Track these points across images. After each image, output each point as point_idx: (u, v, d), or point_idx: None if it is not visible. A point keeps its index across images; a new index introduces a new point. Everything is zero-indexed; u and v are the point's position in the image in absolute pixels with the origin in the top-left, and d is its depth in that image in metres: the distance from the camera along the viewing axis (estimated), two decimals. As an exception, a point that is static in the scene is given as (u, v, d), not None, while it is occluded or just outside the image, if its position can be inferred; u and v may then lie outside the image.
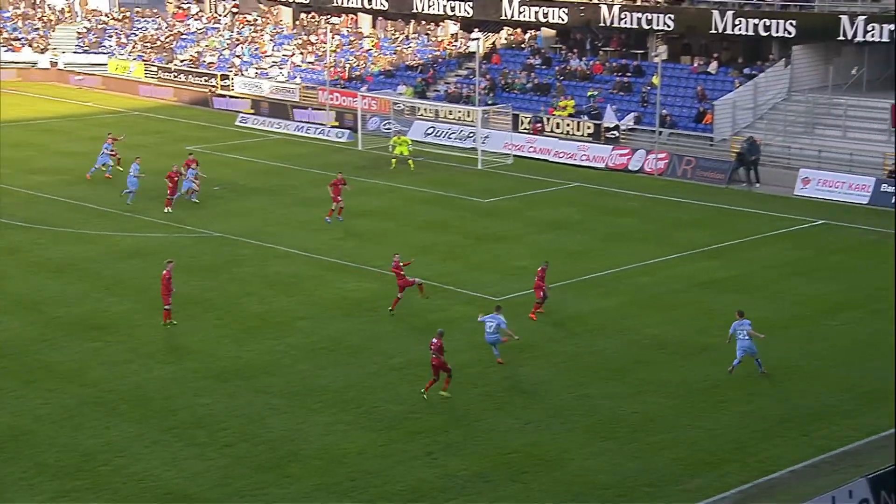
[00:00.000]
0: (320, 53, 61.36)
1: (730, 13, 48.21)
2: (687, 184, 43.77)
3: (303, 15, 67.05)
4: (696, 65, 50.87)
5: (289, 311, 28.18)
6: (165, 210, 37.14)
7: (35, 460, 20.21)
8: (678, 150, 46.08)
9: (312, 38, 63.83)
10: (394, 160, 45.28)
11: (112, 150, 42.59)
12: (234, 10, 70.81)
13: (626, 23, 51.74)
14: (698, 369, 24.70)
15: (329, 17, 64.59)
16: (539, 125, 49.68)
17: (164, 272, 26.85)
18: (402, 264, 28.11)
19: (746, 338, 23.95)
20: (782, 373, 24.37)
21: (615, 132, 48.64)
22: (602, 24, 52.92)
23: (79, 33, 71.14)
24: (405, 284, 27.96)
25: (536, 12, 54.55)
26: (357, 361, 24.93)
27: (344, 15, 64.32)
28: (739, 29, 48.19)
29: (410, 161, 45.23)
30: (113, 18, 73.13)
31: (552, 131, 50.07)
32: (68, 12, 73.05)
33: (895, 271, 30.71)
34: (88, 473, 19.84)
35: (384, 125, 52.38)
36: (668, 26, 50.57)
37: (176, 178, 37.82)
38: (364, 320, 27.60)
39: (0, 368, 24.08)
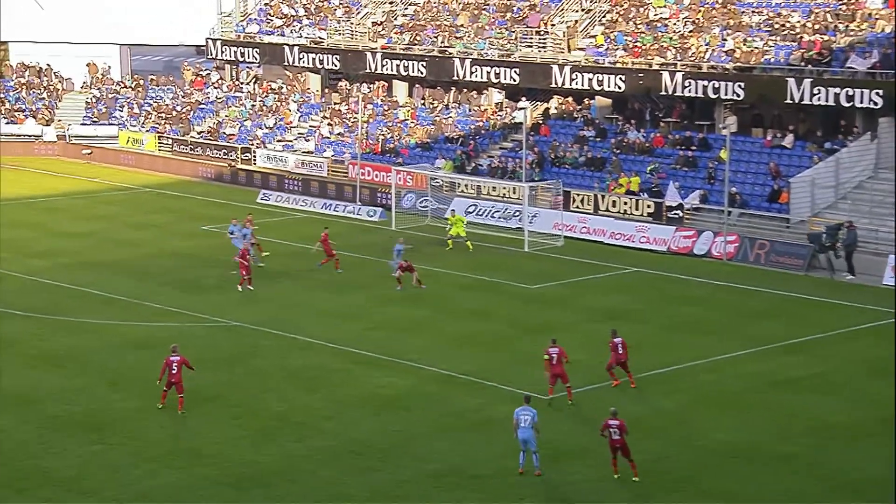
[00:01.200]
0: (350, 124, 62.46)
1: (807, 81, 48.40)
2: (759, 270, 43.62)
3: (332, 82, 68.46)
4: (769, 138, 51.06)
5: (312, 410, 28.27)
6: (241, 287, 38.62)
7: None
8: (749, 233, 46.03)
9: (342, 107, 65.06)
10: (449, 241, 45.77)
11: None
12: (257, 77, 72.45)
13: (690, 91, 52.20)
14: (775, 481, 24.36)
15: (361, 84, 65.91)
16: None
17: (178, 358, 27.71)
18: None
19: (529, 427, 24.18)
20: (868, 486, 23.95)
21: (678, 212, 48.75)
22: (663, 93, 53.43)
23: (87, 103, 73.07)
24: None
25: (590, 79, 55.24)
26: (387, 468, 24.88)
27: (377, 82, 65.59)
28: (818, 99, 48.26)
29: (469, 242, 45.56)
30: (125, 86, 75.07)
31: (608, 210, 50.30)
32: (83, 87, 74.93)
33: None
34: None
35: (420, 202, 52.96)
36: (738, 95, 50.91)
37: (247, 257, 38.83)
38: (396, 420, 27.59)
39: (-9, 472, 24.30)
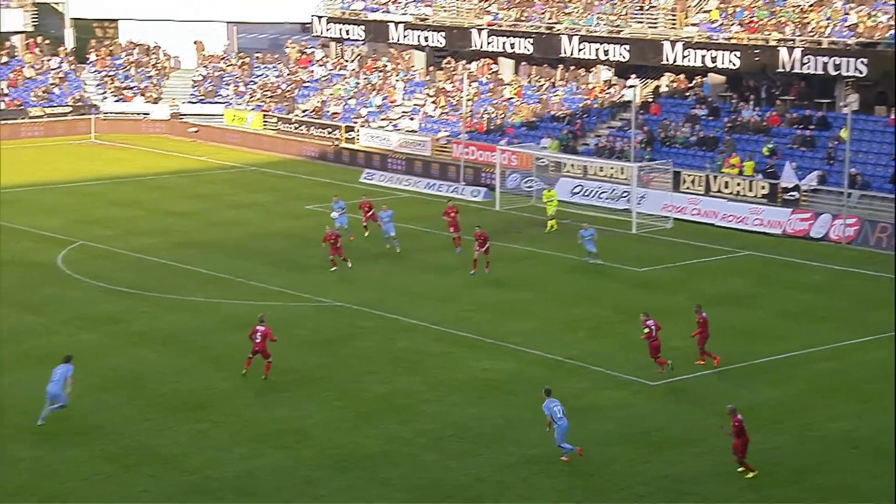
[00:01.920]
0: (455, 103, 62.50)
1: (935, 56, 46.99)
2: (881, 254, 42.46)
3: (437, 60, 68.55)
4: (893, 116, 49.64)
5: (414, 393, 28.45)
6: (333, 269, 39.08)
7: (133, 552, 20.85)
8: (871, 216, 44.84)
9: (447, 85, 65.14)
10: (549, 222, 45.42)
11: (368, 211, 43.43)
12: (362, 55, 72.93)
13: (809, 68, 50.94)
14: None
15: (466, 62, 65.86)
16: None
17: (262, 329, 28.65)
18: None
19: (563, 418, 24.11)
20: None
21: (794, 193, 47.73)
22: (780, 70, 52.26)
23: (194, 81, 74.47)
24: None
25: (703, 56, 54.29)
26: (490, 452, 24.91)
27: (482, 60, 65.45)
28: (946, 74, 46.87)
29: (553, 222, 45.36)
30: (231, 64, 76.28)
31: (720, 191, 49.48)
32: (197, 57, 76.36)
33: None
34: (189, 569, 20.35)
35: (525, 183, 52.77)
36: (860, 72, 49.54)
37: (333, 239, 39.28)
38: (499, 405, 27.61)
39: (100, 451, 25.00)
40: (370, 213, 43.86)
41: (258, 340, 28.75)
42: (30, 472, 23.78)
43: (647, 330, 29.42)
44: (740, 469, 23.58)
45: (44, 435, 25.72)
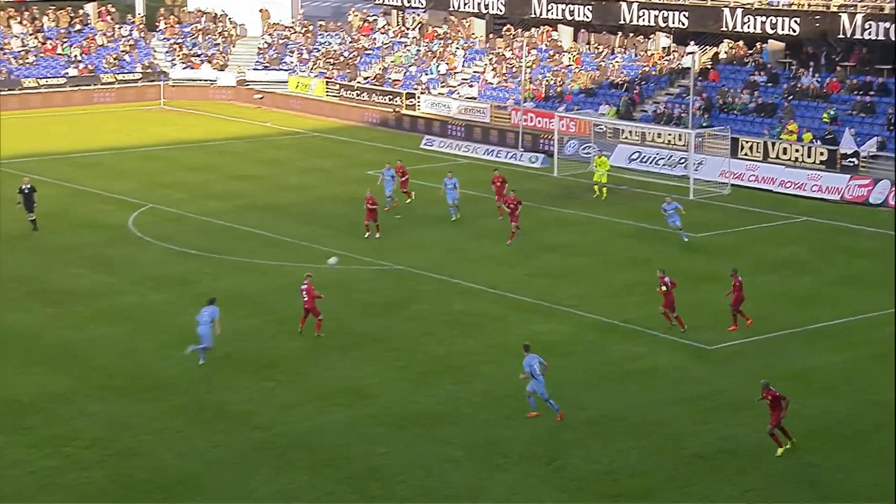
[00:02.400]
0: (515, 70, 62.23)
1: None
2: (940, 221, 41.77)
3: (497, 27, 68.20)
4: (953, 81, 48.66)
5: (472, 354, 28.62)
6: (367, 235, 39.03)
7: (202, 506, 21.30)
8: (930, 181, 44.08)
9: (507, 52, 64.85)
10: (599, 189, 45.05)
11: (402, 177, 43.32)
12: (423, 22, 72.79)
13: (870, 34, 49.98)
14: (950, 440, 23.49)
15: (525, 29, 65.47)
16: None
17: (305, 286, 29.00)
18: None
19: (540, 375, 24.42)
20: None
21: (853, 159, 47.02)
22: (841, 36, 51.35)
23: (259, 49, 74.88)
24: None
25: (763, 23, 53.50)
26: (546, 412, 25.03)
27: (542, 27, 65.02)
28: None
29: (604, 189, 44.92)
30: (295, 32, 76.55)
31: (778, 157, 48.88)
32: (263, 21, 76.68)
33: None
34: (256, 522, 20.75)
35: (583, 149, 52.52)
36: (922, 37, 48.59)
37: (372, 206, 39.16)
38: (554, 367, 27.62)
39: (170, 406, 25.50)
40: (404, 178, 43.65)
41: (305, 299, 29.22)
42: (104, 426, 24.34)
43: (664, 287, 29.59)
44: (780, 440, 23.08)
45: (117, 390, 26.29)
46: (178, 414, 25.04)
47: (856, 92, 50.38)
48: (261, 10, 77.32)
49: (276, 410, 25.25)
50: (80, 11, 76.20)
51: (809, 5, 52.69)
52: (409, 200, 43.65)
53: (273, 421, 24.69)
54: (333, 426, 24.44)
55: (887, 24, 49.28)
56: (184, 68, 72.91)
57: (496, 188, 42.34)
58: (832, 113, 49.56)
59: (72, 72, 70.25)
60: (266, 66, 73.18)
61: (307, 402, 25.65)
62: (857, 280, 34.73)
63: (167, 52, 74.42)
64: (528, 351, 25.16)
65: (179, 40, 75.13)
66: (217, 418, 24.82)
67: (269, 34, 76.11)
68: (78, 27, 74.52)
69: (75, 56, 71.47)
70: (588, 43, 63.17)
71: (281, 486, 21.93)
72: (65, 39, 72.89)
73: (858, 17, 50.10)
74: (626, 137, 53.16)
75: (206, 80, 72.47)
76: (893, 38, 49.41)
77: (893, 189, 43.94)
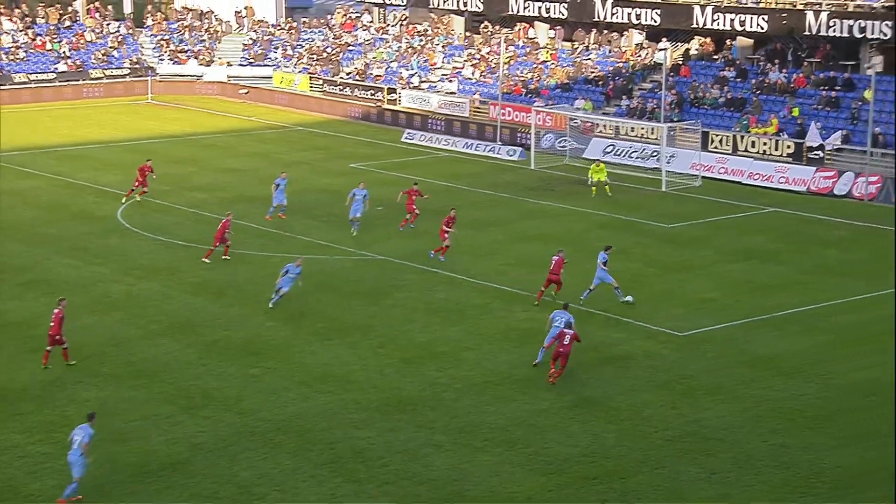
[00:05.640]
0: (493, 65, 62.10)
1: (958, 19, 46.05)
2: (902, 211, 42.01)
3: (475, 24, 68.03)
4: (915, 77, 48.87)
5: (453, 341, 28.56)
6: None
7: (191, 491, 21.14)
8: (893, 174, 44.25)
9: (485, 49, 64.70)
10: (594, 188, 44.31)
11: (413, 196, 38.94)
12: (404, 19, 72.55)
13: (835, 31, 50.14)
14: (913, 422, 23.62)
15: (503, 27, 65.31)
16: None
17: (57, 311, 26.31)
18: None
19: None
20: None
21: (819, 152, 47.18)
22: (807, 33, 51.48)
23: (245, 45, 74.45)
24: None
25: (732, 20, 53.57)
26: (526, 398, 25.01)
27: (519, 24, 64.90)
28: (970, 36, 45.95)
29: (607, 186, 44.07)
30: (279, 29, 76.15)
31: (746, 150, 49.00)
32: (237, 23, 76.39)
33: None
34: (243, 504, 20.63)
35: (559, 142, 52.48)
36: (885, 35, 48.71)
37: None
38: (533, 353, 27.64)
39: (158, 392, 25.33)
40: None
41: (52, 325, 26.14)
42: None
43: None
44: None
45: (106, 377, 26.10)
46: (166, 400, 24.89)
47: (821, 87, 50.53)
48: (245, 7, 76.88)
49: (262, 396, 25.13)
50: (70, 8, 75.58)
51: (776, 3, 52.80)
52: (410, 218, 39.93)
53: (259, 406, 24.57)
54: (318, 411, 24.34)
55: (851, 22, 49.46)
56: (171, 64, 72.46)
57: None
58: (798, 107, 49.62)
59: (61, 67, 69.69)
60: (251, 62, 72.81)
61: (292, 388, 25.54)
62: (823, 268, 34.86)
63: (155, 48, 73.93)
64: (565, 308, 26.55)
65: (167, 36, 74.65)
66: (204, 404, 24.68)
67: (254, 31, 75.71)
68: (68, 24, 73.91)
69: (65, 52, 70.90)
70: (564, 39, 63.09)
71: (266, 469, 21.83)
72: (54, 35, 72.31)
73: (823, 15, 50.25)
74: (601, 131, 53.17)
75: (192, 76, 72.04)
76: (857, 35, 49.56)
77: (856, 181, 44.10)
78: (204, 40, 74.72)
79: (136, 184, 42.94)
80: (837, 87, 50.09)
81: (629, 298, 30.62)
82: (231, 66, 72.72)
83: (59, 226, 39.70)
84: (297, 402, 24.81)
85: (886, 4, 49.20)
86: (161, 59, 72.86)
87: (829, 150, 47.14)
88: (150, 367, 26.74)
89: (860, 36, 49.56)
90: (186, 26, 75.83)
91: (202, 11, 77.01)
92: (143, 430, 23.41)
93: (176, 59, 72.74)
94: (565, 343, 25.36)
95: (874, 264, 35.24)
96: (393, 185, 46.79)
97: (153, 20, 76.12)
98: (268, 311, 30.57)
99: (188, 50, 73.63)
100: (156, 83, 70.48)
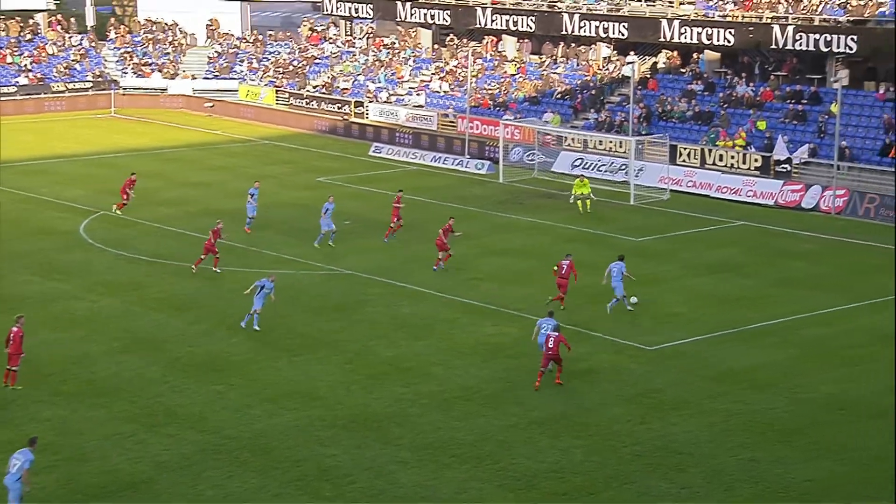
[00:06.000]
0: (461, 79, 62.21)
1: (923, 33, 46.60)
2: (869, 224, 42.38)
3: (443, 38, 68.15)
4: (881, 91, 49.32)
5: (421, 357, 28.46)
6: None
7: (154, 509, 20.91)
8: (859, 187, 44.70)
9: (453, 62, 64.81)
10: (579, 202, 43.86)
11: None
12: (371, 32, 72.56)
13: (801, 45, 50.60)
14: (881, 434, 23.75)
15: (471, 40, 65.45)
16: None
17: (16, 329, 25.81)
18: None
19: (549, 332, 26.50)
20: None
21: (786, 166, 47.55)
22: (774, 47, 51.94)
23: (210, 58, 74.17)
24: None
25: (699, 33, 53.95)
26: (494, 413, 24.95)
27: (487, 37, 65.09)
28: (935, 51, 46.51)
29: (588, 201, 43.76)
30: (245, 41, 75.94)
31: (714, 164, 49.31)
32: (208, 35, 76.06)
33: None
34: (207, 524, 20.43)
35: (528, 156, 52.61)
36: (851, 48, 49.20)
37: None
38: (502, 368, 27.63)
39: (121, 411, 25.06)
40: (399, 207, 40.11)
41: (12, 343, 25.62)
42: (55, 431, 23.85)
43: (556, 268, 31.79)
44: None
45: (67, 396, 25.80)
46: (129, 418, 24.63)
47: (788, 101, 50.99)
48: (210, 20, 76.63)
49: (227, 413, 24.91)
50: (31, 21, 74.99)
51: (743, 17, 53.26)
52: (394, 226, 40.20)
53: (223, 424, 24.36)
54: (283, 428, 24.16)
55: (817, 36, 49.94)
56: (135, 77, 72.07)
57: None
58: (764, 120, 50.01)
59: (23, 80, 69.12)
60: (216, 75, 72.54)
61: (257, 405, 25.34)
62: (791, 282, 35.08)
63: (118, 61, 73.49)
64: (550, 315, 27.45)
65: (130, 49, 74.25)
66: (167, 422, 24.44)
67: (219, 43, 75.45)
68: (29, 36, 73.33)
69: (26, 65, 70.32)
70: (532, 53, 63.33)
71: (232, 488, 21.63)
72: (16, 48, 71.72)
73: (790, 29, 50.71)
74: (569, 145, 53.35)
75: (156, 89, 71.68)
76: (823, 49, 50.05)
77: (823, 194, 44.48)
78: (168, 53, 74.38)
79: (125, 196, 43.18)
80: (804, 101, 50.55)
81: (634, 299, 31.58)
82: (196, 79, 72.50)
83: (20, 241, 39.30)
84: (262, 420, 24.61)
85: (851, 19, 49.74)
86: (124, 73, 72.45)
87: (797, 164, 47.53)
88: (112, 385, 26.47)
89: (826, 50, 50.04)
90: (150, 39, 75.47)
91: (166, 24, 76.67)
92: (104, 449, 23.14)
93: (140, 73, 72.35)
94: (550, 346, 26.12)
95: (841, 277, 35.52)
96: (360, 198, 46.77)
97: (116, 33, 75.69)
98: (232, 327, 30.35)
99: (152, 63, 73.28)
100: (119, 97, 70.05)
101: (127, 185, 43.41)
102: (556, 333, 26.29)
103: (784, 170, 47.43)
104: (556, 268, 31.90)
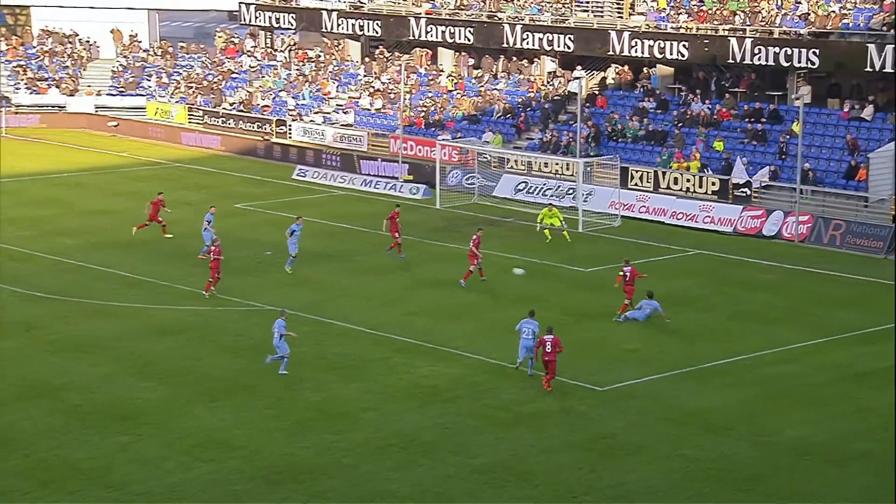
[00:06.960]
0: (393, 95, 62.56)
1: (889, 48, 47.65)
2: (835, 253, 43.24)
3: (373, 50, 68.52)
4: (846, 109, 50.48)
5: (351, 401, 28.46)
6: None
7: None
8: (824, 213, 45.61)
9: (384, 77, 65.16)
10: (546, 231, 44.19)
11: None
12: (293, 44, 72.69)
13: (760, 59, 51.62)
14: (852, 480, 24.20)
15: (404, 53, 65.89)
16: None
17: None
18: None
19: (530, 337, 29.13)
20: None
21: (746, 189, 48.37)
22: (731, 61, 52.93)
23: (114, 72, 73.72)
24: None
25: (651, 47, 54.84)
26: (432, 462, 25.01)
27: (421, 50, 65.53)
28: (902, 66, 47.67)
29: (566, 232, 44.10)
30: (153, 54, 75.62)
31: (669, 187, 50.02)
32: (116, 41, 75.41)
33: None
34: (113, 590, 20.18)
35: (467, 179, 52.96)
36: (813, 63, 50.28)
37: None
38: (439, 413, 27.71)
39: (13, 466, 24.69)
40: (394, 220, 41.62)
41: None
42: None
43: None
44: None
45: (-45, 450, 25.36)
46: (24, 474, 24.27)
47: (746, 119, 51.91)
48: (113, 30, 76.18)
49: (135, 466, 24.67)
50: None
51: (698, 29, 54.27)
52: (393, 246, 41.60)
53: (130, 479, 24.11)
54: (198, 483, 23.98)
55: (776, 49, 50.94)
56: (29, 93, 71.35)
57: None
58: (721, 140, 50.87)
59: None
60: (121, 91, 72.10)
61: (169, 458, 25.13)
62: (751, 315, 35.64)
63: (10, 75, 72.73)
64: (531, 315, 29.66)
65: (23, 62, 73.55)
66: (67, 477, 24.12)
67: (125, 56, 75.03)
68: None
69: None
70: (470, 67, 63.88)
71: (141, 550, 21.42)
72: None
73: (748, 42, 51.71)
74: (511, 167, 53.82)
75: (54, 106, 71.06)
76: (783, 64, 51.10)
77: (786, 220, 45.30)
78: (67, 67, 73.81)
79: (149, 219, 43.38)
80: (764, 119, 51.51)
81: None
82: (99, 95, 71.99)
83: None
84: (175, 473, 24.42)
85: (813, 31, 50.90)
86: (17, 88, 71.68)
87: (757, 188, 48.34)
88: (4, 437, 26.07)
89: (787, 65, 51.06)
90: (46, 51, 74.82)
91: (65, 34, 76.08)
92: (-4, 508, 22.81)
93: (34, 88, 71.64)
94: (548, 351, 28.21)
95: (805, 311, 36.16)
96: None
97: (7, 44, 74.93)
98: (141, 370, 30.10)
99: (48, 78, 72.65)
100: (10, 114, 69.27)
101: (156, 208, 43.84)
102: (552, 336, 28.02)
103: (743, 194, 48.24)
104: (620, 274, 34.79)
